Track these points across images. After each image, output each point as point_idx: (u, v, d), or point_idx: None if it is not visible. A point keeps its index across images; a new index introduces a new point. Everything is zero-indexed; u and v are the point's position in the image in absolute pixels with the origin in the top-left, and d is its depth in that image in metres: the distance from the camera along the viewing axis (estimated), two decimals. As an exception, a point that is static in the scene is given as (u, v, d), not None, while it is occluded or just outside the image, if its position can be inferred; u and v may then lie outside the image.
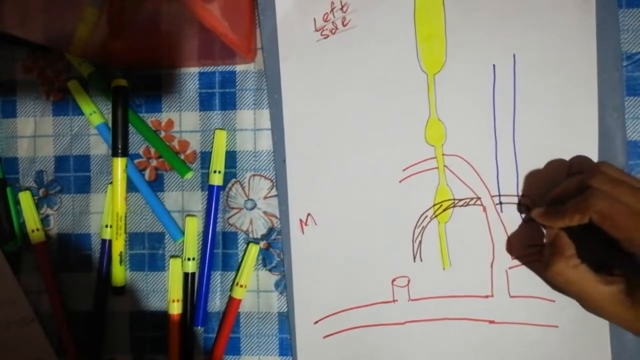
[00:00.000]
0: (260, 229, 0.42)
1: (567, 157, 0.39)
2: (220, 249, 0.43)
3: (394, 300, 0.40)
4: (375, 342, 0.41)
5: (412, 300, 0.40)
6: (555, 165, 0.39)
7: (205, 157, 0.43)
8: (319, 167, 0.41)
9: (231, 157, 0.43)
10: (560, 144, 0.39)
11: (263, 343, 0.42)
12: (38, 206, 0.44)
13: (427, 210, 0.40)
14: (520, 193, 0.39)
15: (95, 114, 0.43)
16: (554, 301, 0.39)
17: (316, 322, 0.41)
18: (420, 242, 0.40)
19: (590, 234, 0.33)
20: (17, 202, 0.44)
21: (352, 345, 0.41)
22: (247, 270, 0.41)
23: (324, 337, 0.41)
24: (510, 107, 0.39)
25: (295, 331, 0.41)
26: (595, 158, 0.38)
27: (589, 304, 0.34)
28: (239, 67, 0.43)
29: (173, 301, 0.42)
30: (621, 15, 0.39)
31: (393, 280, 0.41)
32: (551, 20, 0.39)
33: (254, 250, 0.42)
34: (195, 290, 0.42)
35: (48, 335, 0.43)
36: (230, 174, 0.43)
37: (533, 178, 0.39)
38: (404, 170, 0.41)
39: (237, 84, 0.43)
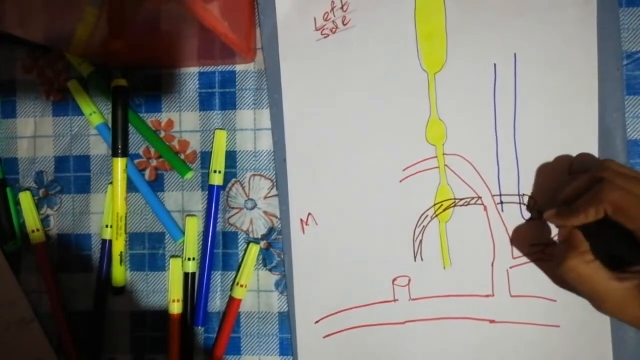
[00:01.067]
0: (260, 229, 0.42)
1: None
2: (220, 249, 0.43)
3: (394, 300, 0.40)
4: (376, 341, 0.40)
5: (413, 299, 0.40)
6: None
7: (206, 157, 0.43)
8: (320, 167, 0.41)
9: (231, 157, 0.43)
10: (561, 143, 0.39)
11: (264, 343, 0.42)
12: (38, 207, 0.44)
13: (427, 210, 0.40)
14: (521, 192, 0.39)
15: (95, 114, 0.43)
16: (555, 301, 0.39)
17: (317, 322, 0.41)
18: (421, 241, 0.40)
19: (606, 233, 0.33)
20: (17, 203, 0.44)
21: (352, 345, 0.41)
22: (248, 270, 0.41)
23: (325, 337, 0.41)
24: (511, 107, 0.39)
25: (295, 331, 0.41)
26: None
27: (599, 302, 0.33)
28: (239, 67, 0.43)
29: (173, 301, 0.42)
30: (622, 14, 0.39)
31: (394, 280, 0.40)
32: (552, 20, 0.39)
33: (254, 250, 0.42)
34: (195, 290, 0.42)
35: (48, 335, 0.43)
36: (230, 174, 0.43)
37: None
38: (404, 170, 0.40)
39: (237, 84, 0.43)
